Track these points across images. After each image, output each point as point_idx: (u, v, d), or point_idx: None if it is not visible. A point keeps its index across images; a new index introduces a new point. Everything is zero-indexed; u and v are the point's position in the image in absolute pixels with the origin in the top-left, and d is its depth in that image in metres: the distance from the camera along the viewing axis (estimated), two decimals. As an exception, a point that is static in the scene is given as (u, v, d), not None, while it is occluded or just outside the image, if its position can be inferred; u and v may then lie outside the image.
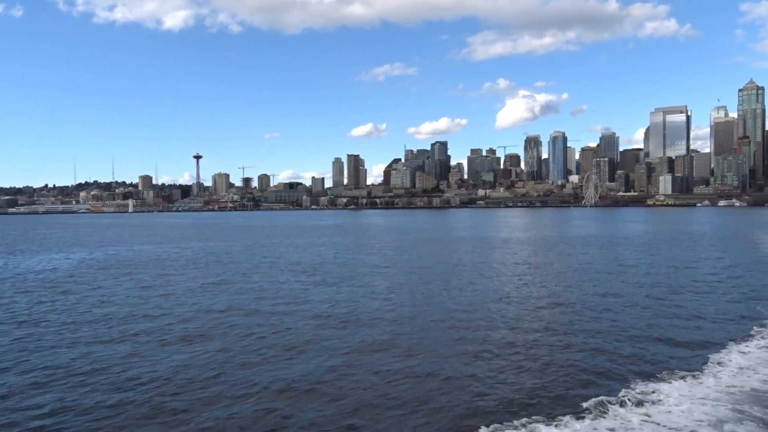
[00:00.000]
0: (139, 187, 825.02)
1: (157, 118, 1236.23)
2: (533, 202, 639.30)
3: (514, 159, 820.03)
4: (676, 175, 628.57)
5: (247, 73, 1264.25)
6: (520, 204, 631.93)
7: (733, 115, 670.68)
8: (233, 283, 51.68)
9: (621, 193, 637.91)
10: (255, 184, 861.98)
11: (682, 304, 38.62)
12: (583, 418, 18.30)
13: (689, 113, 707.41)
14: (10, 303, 42.06)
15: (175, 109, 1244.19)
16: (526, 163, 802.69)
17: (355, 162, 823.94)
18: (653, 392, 20.34)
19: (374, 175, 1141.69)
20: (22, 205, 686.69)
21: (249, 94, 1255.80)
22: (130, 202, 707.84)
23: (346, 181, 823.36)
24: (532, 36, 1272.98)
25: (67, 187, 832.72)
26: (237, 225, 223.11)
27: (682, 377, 22.14)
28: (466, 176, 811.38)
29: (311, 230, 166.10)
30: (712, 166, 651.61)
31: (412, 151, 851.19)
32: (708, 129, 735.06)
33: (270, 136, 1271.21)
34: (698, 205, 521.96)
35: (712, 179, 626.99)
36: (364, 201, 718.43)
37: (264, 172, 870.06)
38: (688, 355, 25.71)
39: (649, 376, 22.35)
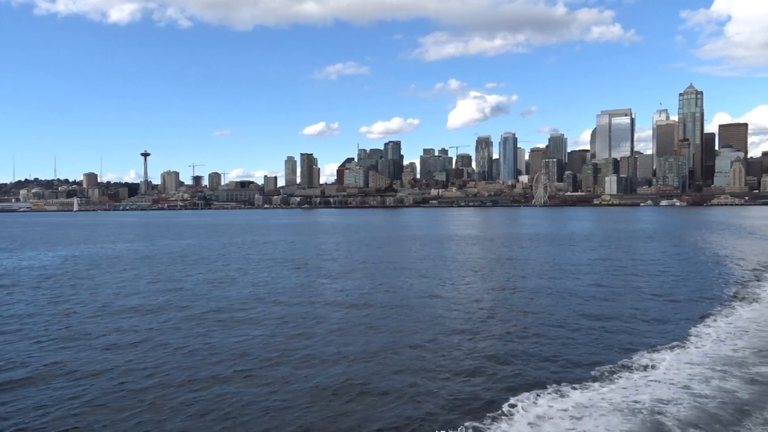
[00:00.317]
0: (84, 185, 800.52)
1: (102, 115, 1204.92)
2: (485, 201, 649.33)
3: (465, 159, 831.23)
4: (621, 175, 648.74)
5: (196, 70, 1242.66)
6: (472, 203, 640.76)
7: (674, 118, 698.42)
8: (245, 276, 52.55)
9: (569, 193, 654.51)
10: (206, 182, 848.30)
11: (652, 290, 41.89)
12: (594, 383, 20.84)
13: (633, 116, 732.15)
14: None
15: (121, 105, 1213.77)
16: (478, 163, 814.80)
17: (309, 161, 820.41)
18: (649, 360, 23.30)
19: (327, 174, 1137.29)
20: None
21: (198, 90, 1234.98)
22: (75, 200, 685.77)
23: (299, 180, 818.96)
24: (483, 38, 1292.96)
25: (6, 184, 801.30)
26: (200, 223, 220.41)
27: (670, 348, 24.93)
28: (418, 176, 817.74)
29: (277, 229, 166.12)
30: (655, 167, 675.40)
31: (365, 150, 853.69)
32: (651, 131, 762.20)
33: (220, 133, 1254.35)
34: (642, 204, 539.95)
35: (654, 180, 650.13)
36: (318, 200, 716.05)
37: (215, 171, 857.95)
38: (669, 329, 28.57)
39: (640, 348, 25.13)
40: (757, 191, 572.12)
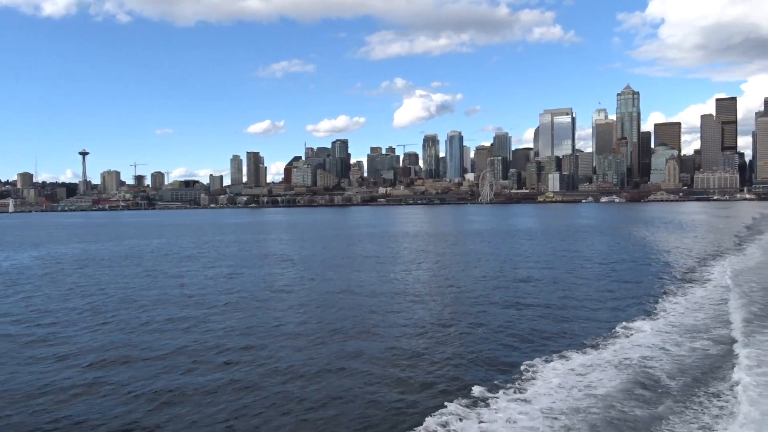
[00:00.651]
0: (18, 185, 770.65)
1: (37, 112, 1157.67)
2: (432, 199, 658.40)
3: (412, 157, 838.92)
4: (563, 173, 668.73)
5: (136, 66, 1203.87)
6: (420, 201, 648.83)
7: (613, 117, 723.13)
8: (248, 271, 54.35)
9: (514, 191, 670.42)
10: (148, 182, 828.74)
11: (617, 276, 46.39)
12: (590, 349, 24.64)
13: (574, 115, 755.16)
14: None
15: (56, 102, 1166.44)
16: (425, 161, 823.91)
17: (255, 159, 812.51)
18: (630, 330, 28.09)
19: (273, 173, 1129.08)
20: None
21: (138, 87, 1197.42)
22: (11, 201, 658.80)
23: (245, 179, 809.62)
24: (428, 37, 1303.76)
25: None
26: (155, 224, 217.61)
27: (644, 320, 29.10)
28: (366, 174, 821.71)
29: (231, 228, 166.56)
30: (595, 164, 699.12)
31: (312, 149, 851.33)
32: (590, 130, 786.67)
33: (162, 131, 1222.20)
34: (583, 201, 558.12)
35: (595, 177, 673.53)
36: (266, 199, 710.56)
37: (157, 170, 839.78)
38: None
39: (620, 321, 29.48)
40: (690, 187, 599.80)
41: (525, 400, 18.63)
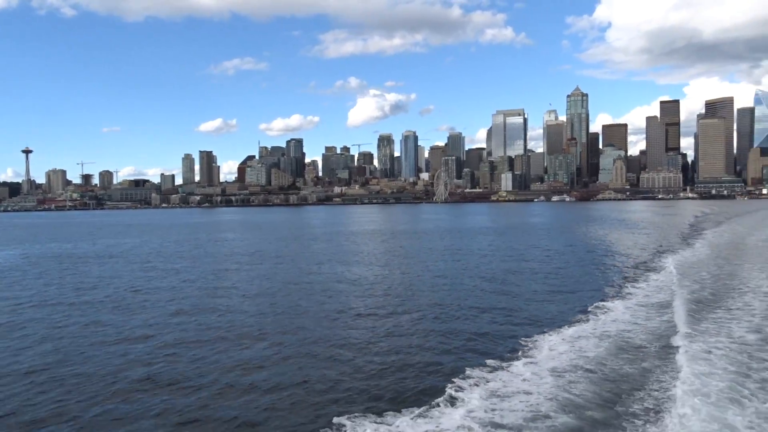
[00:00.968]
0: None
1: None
2: (388, 198, 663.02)
3: (367, 157, 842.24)
4: (516, 173, 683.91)
5: (81, 62, 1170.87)
6: (375, 201, 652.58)
7: (563, 118, 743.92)
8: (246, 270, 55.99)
9: (468, 190, 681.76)
10: (96, 181, 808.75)
11: (584, 266, 50.51)
12: (577, 323, 28.50)
13: (526, 116, 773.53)
14: None
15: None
16: (380, 161, 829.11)
17: (208, 158, 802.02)
18: (606, 308, 32.45)
19: (225, 172, 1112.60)
20: None
21: (84, 84, 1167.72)
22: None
23: (197, 178, 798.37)
24: (382, 37, 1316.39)
25: None
26: (111, 224, 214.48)
27: (617, 300, 33.16)
28: (321, 174, 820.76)
29: (187, 228, 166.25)
30: (546, 164, 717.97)
31: (266, 148, 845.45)
32: (541, 130, 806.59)
33: (109, 129, 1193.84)
34: (535, 200, 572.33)
35: (546, 176, 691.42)
36: (219, 199, 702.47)
37: (106, 169, 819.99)
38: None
39: (597, 301, 33.33)
40: (636, 187, 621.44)
41: (534, 363, 22.54)
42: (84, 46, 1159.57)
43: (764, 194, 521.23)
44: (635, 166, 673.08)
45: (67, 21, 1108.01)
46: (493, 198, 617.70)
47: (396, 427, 17.24)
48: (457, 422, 17.07)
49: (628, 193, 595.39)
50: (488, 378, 21.07)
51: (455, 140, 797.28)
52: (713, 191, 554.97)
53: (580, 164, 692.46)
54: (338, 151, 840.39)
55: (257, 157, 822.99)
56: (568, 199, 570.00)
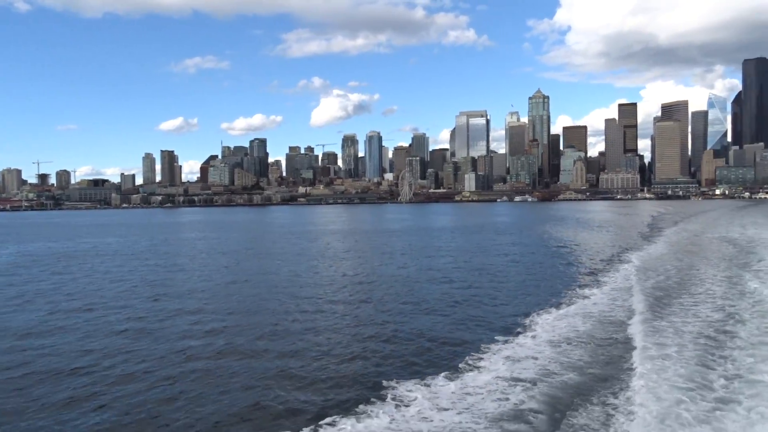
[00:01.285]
0: None
1: None
2: (352, 199, 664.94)
3: (331, 157, 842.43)
4: (479, 173, 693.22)
5: (36, 58, 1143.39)
6: (340, 201, 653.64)
7: (525, 120, 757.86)
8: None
9: (432, 190, 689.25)
10: (53, 181, 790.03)
11: (559, 259, 54.82)
12: (561, 306, 32.41)
13: (488, 117, 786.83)
14: None
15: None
16: (344, 161, 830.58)
17: (169, 158, 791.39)
18: (585, 294, 37.07)
19: (187, 172, 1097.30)
20: None
21: (38, 81, 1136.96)
22: None
23: (159, 178, 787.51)
24: (346, 36, 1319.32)
25: None
26: (75, 224, 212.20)
27: (594, 287, 37.45)
28: (285, 174, 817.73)
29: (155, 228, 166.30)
30: (508, 165, 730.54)
31: (229, 147, 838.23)
32: (504, 132, 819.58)
33: (64, 128, 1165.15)
34: (498, 200, 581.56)
35: (508, 177, 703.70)
36: (182, 199, 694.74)
37: (63, 168, 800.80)
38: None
39: (577, 288, 37.68)
40: (595, 187, 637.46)
41: (534, 337, 26.55)
42: (38, 42, 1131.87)
43: (717, 195, 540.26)
44: (595, 167, 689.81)
45: (20, 16, 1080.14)
46: (457, 198, 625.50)
47: (435, 392, 20.71)
48: (485, 379, 21.02)
49: (588, 193, 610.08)
50: (502, 348, 25.05)
51: (419, 141, 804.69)
52: (669, 192, 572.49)
53: (542, 165, 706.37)
54: (302, 151, 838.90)
55: (220, 157, 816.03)
56: (530, 199, 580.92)
